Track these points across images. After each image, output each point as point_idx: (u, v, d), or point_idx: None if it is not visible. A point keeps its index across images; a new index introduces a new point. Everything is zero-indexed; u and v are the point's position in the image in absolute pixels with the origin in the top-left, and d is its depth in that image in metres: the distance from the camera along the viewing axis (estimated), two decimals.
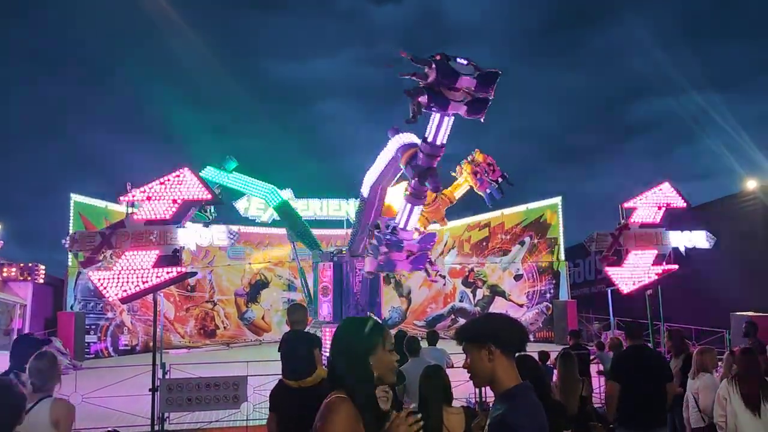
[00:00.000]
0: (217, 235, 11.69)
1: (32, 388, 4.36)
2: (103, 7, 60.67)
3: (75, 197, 24.89)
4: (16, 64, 62.78)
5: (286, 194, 23.11)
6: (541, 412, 2.69)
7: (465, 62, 8.89)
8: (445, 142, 10.86)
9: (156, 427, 10.04)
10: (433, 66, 8.75)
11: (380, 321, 2.92)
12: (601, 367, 12.10)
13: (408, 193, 12.92)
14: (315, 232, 22.69)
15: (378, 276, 17.00)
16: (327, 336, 14.02)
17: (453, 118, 10.11)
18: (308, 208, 29.89)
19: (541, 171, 68.92)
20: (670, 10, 69.03)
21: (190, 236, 10.82)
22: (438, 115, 10.07)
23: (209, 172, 18.71)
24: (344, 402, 2.61)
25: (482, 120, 9.33)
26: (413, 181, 12.10)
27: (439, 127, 10.40)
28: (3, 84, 57.89)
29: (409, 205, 13.27)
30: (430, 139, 10.68)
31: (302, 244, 19.74)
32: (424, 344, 9.78)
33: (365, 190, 16.47)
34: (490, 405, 9.40)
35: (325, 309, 16.86)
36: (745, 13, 64.50)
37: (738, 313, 16.06)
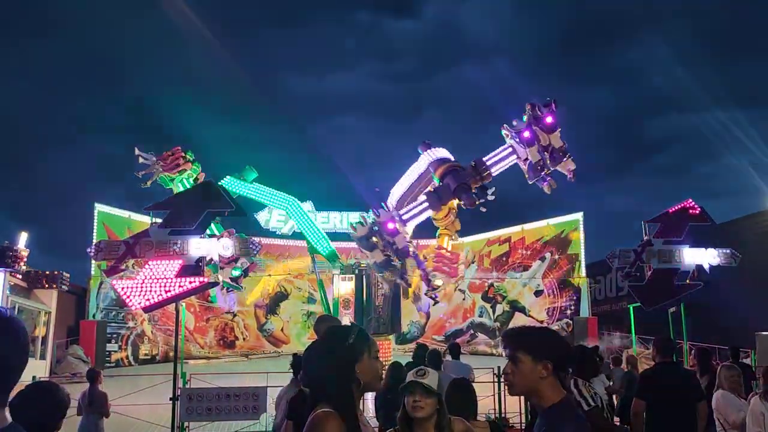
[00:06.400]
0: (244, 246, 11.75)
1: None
2: (126, 21, 61.77)
3: (99, 207, 25.25)
4: (42, 76, 64.01)
5: (307, 206, 23.23)
6: (588, 426, 2.66)
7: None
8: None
9: None
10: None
11: (362, 328, 2.87)
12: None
13: (431, 190, 14.76)
14: (335, 245, 22.79)
15: (399, 290, 17.07)
16: None
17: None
18: (329, 220, 29.96)
19: (561, 186, 68.47)
20: (690, 28, 68.58)
21: (214, 247, 10.90)
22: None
23: (230, 183, 18.89)
24: (331, 416, 2.53)
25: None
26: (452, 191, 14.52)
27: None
28: (29, 95, 59.04)
29: (424, 203, 15.07)
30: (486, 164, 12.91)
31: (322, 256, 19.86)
32: (446, 357, 9.76)
33: (392, 202, 16.88)
34: (509, 421, 9.27)
35: (346, 321, 16.87)
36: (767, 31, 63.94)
37: (763, 333, 15.78)
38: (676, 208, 13.28)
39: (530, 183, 16.40)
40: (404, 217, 15.91)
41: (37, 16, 63.18)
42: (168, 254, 10.55)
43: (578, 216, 28.45)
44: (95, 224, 24.81)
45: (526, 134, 15.68)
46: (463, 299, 31.68)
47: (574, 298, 27.66)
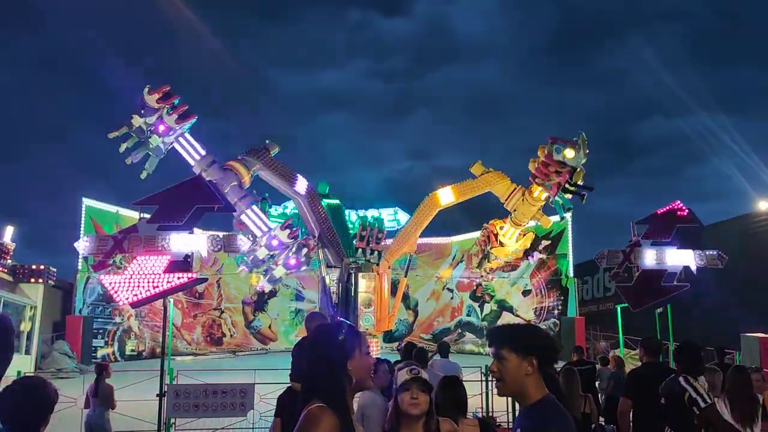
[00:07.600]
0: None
1: None
2: (113, 17, 61.39)
3: (86, 201, 25.08)
4: (28, 70, 63.50)
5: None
6: (573, 424, 2.65)
7: None
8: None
9: None
10: None
11: (352, 325, 2.85)
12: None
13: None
14: None
15: (349, 284, 17.05)
16: None
17: None
18: None
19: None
20: (678, 34, 69.25)
21: (203, 243, 10.83)
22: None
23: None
24: (325, 412, 2.48)
25: None
26: None
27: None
28: (16, 89, 58.54)
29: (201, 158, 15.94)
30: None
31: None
32: (435, 357, 9.78)
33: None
34: (496, 419, 9.27)
35: None
36: (754, 37, 64.60)
37: (748, 334, 15.93)
38: (665, 209, 13.35)
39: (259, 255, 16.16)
40: (184, 132, 16.07)
41: (22, 10, 62.67)
42: (157, 250, 10.48)
43: (566, 216, 28.56)
44: (83, 219, 24.65)
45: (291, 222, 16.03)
46: (451, 298, 31.74)
47: (562, 298, 27.78)
